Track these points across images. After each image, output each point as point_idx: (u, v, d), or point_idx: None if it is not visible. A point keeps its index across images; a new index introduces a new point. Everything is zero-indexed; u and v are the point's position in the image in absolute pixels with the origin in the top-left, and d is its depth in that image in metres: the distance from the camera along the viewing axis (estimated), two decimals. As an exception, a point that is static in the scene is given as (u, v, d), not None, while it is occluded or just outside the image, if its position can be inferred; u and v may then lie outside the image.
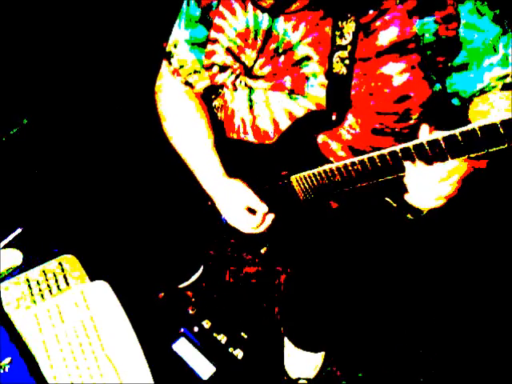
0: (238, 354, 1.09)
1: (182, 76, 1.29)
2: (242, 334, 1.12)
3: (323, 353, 1.70)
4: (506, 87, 1.03)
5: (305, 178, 1.17)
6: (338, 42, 1.04)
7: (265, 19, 1.10)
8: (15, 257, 1.17)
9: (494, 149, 0.86)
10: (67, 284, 1.11)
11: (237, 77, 1.18)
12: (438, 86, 1.06)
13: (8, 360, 0.97)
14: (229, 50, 1.16)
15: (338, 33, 1.04)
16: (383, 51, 1.02)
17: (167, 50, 1.28)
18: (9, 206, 1.37)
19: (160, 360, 1.03)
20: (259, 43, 1.11)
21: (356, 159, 1.03)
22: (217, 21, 1.16)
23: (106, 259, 1.18)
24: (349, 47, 1.04)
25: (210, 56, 1.20)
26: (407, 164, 0.97)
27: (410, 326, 1.79)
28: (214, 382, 1.03)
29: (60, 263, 1.15)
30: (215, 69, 1.21)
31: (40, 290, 1.10)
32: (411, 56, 1.01)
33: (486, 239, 1.92)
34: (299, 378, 1.65)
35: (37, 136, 2.02)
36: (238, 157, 1.29)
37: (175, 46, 1.25)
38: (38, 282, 1.11)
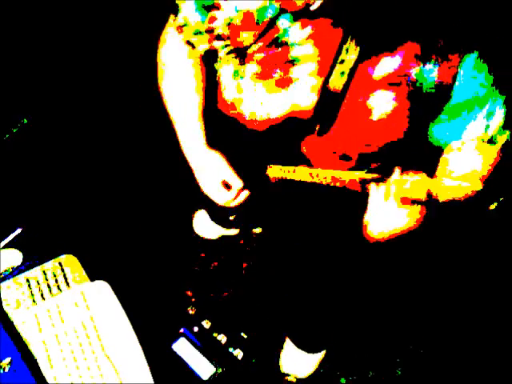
0: (238, 354, 1.09)
1: (185, 34, 1.26)
2: (242, 334, 1.12)
3: (324, 351, 1.70)
4: (480, 147, 1.05)
5: (279, 171, 1.18)
6: (342, 58, 1.04)
7: (270, 10, 1.08)
8: (15, 257, 1.17)
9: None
10: (67, 284, 1.11)
11: (229, 52, 1.17)
12: (419, 128, 1.07)
13: (8, 360, 0.97)
14: (228, 24, 1.14)
15: (344, 51, 1.03)
16: (377, 81, 1.02)
17: (176, 1, 1.24)
18: (9, 206, 1.36)
19: (160, 360, 1.03)
20: (259, 29, 1.09)
21: (327, 176, 1.05)
22: None
23: (106, 259, 1.17)
24: (350, 65, 1.03)
25: (212, 21, 1.17)
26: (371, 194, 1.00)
27: (411, 324, 1.79)
28: (213, 382, 1.03)
29: (60, 263, 1.15)
30: (214, 33, 1.18)
31: (40, 290, 1.10)
32: (401, 93, 1.01)
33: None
34: (291, 375, 1.66)
35: (37, 136, 2.02)
36: (224, 130, 1.28)
37: (183, 1, 1.22)
38: (37, 282, 1.11)
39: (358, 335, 1.75)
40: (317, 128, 1.13)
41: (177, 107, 1.29)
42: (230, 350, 1.09)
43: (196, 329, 1.11)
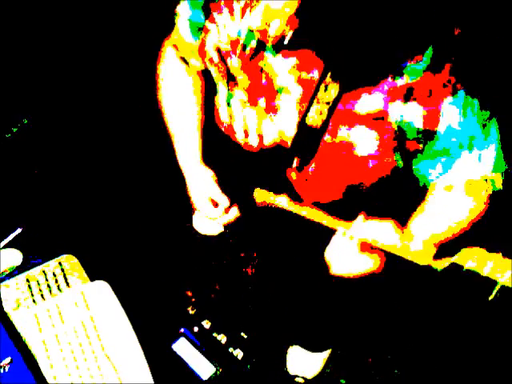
0: (238, 354, 1.09)
1: (179, 52, 1.26)
2: (242, 334, 1.12)
3: (328, 351, 1.70)
4: (468, 188, 1.00)
5: (264, 195, 1.18)
6: (321, 94, 0.99)
7: (252, 41, 1.07)
8: (15, 257, 1.17)
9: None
10: (67, 284, 1.11)
11: (221, 75, 1.17)
12: (401, 164, 1.04)
13: (8, 360, 0.97)
14: (217, 50, 1.14)
15: (322, 86, 0.99)
16: (357, 118, 0.98)
17: (175, 19, 1.23)
18: (9, 206, 1.37)
19: (160, 360, 1.03)
20: (246, 56, 1.09)
21: (304, 210, 1.05)
22: (215, 15, 1.13)
23: (106, 259, 1.18)
24: (331, 102, 0.99)
25: (203, 43, 1.17)
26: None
27: (410, 325, 1.79)
28: (213, 382, 1.03)
29: (60, 263, 1.15)
30: (205, 55, 1.19)
31: (40, 290, 1.10)
32: (383, 131, 0.98)
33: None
34: (299, 376, 1.66)
35: (37, 136, 2.02)
36: (219, 145, 1.29)
37: (179, 20, 1.21)
38: (38, 282, 1.11)
39: (357, 336, 1.75)
40: (296, 161, 1.11)
41: (174, 122, 1.29)
42: (230, 350, 1.09)
43: (196, 329, 1.11)
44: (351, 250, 0.96)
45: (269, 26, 0.97)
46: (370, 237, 0.94)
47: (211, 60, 1.17)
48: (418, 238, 0.99)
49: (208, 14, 1.14)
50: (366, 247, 0.96)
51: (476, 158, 0.97)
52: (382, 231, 0.95)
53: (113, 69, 2.26)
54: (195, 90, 1.30)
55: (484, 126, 0.95)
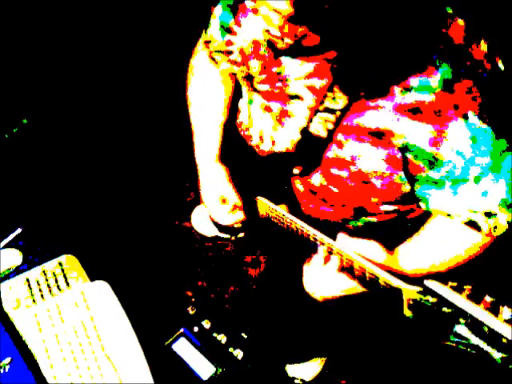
0: (238, 354, 1.09)
1: (210, 50, 1.25)
2: (242, 334, 1.12)
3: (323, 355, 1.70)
4: (470, 223, 0.93)
5: (265, 205, 1.18)
6: (328, 103, 0.96)
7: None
8: (15, 257, 1.17)
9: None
10: (67, 284, 1.11)
11: (243, 77, 1.17)
12: (407, 187, 0.99)
13: (8, 360, 0.97)
14: (241, 52, 1.14)
15: (330, 95, 0.95)
16: (364, 132, 0.94)
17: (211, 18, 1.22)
18: (9, 206, 1.37)
19: (160, 360, 1.03)
20: (265, 60, 1.09)
21: (295, 224, 1.04)
22: (240, 16, 1.11)
23: (106, 259, 1.18)
24: (338, 113, 0.96)
25: (228, 44, 1.17)
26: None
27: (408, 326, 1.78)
28: (213, 382, 1.03)
29: (60, 263, 1.15)
30: (231, 56, 1.19)
31: (40, 290, 1.10)
32: (388, 147, 0.93)
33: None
34: (297, 378, 1.66)
35: (37, 136, 2.02)
36: (237, 145, 1.30)
37: (213, 19, 1.20)
38: (38, 282, 1.11)
39: (356, 338, 1.76)
40: (298, 169, 1.11)
41: (198, 117, 1.31)
42: (230, 350, 1.09)
43: (196, 329, 1.11)
44: (329, 265, 0.93)
45: (270, 27, 0.97)
46: (349, 252, 0.90)
47: (235, 61, 1.17)
48: (403, 265, 0.95)
49: (235, 15, 1.14)
50: (343, 265, 0.93)
51: (481, 192, 0.89)
52: (362, 249, 0.91)
53: (113, 70, 2.26)
54: (223, 90, 1.31)
55: (496, 158, 0.87)
